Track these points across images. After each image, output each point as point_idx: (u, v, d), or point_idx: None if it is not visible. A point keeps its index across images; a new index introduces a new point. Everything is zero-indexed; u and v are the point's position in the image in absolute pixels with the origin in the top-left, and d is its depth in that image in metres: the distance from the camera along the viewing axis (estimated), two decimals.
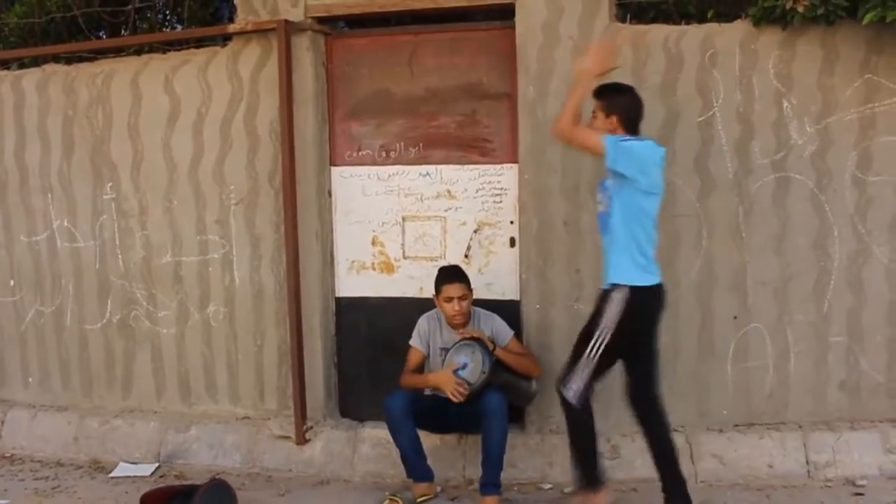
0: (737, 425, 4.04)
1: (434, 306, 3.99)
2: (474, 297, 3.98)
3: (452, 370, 3.72)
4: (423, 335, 4.01)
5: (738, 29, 3.92)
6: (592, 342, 3.31)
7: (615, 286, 3.30)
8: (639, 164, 3.25)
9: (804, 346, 3.99)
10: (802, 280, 3.97)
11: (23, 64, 4.92)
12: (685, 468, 3.90)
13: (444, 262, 4.20)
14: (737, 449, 3.94)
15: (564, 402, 3.39)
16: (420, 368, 4.00)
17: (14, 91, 4.81)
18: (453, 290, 3.84)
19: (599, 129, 3.36)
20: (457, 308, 3.83)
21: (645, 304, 3.34)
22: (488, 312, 3.99)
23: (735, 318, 4.02)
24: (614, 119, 3.37)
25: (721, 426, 4.04)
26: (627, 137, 3.31)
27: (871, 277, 3.93)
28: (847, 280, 3.94)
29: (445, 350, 3.89)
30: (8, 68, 4.93)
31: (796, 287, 3.97)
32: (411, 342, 4.02)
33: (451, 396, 3.70)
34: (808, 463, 3.88)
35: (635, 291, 3.28)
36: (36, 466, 4.55)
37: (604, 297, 3.34)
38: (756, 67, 3.91)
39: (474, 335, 3.79)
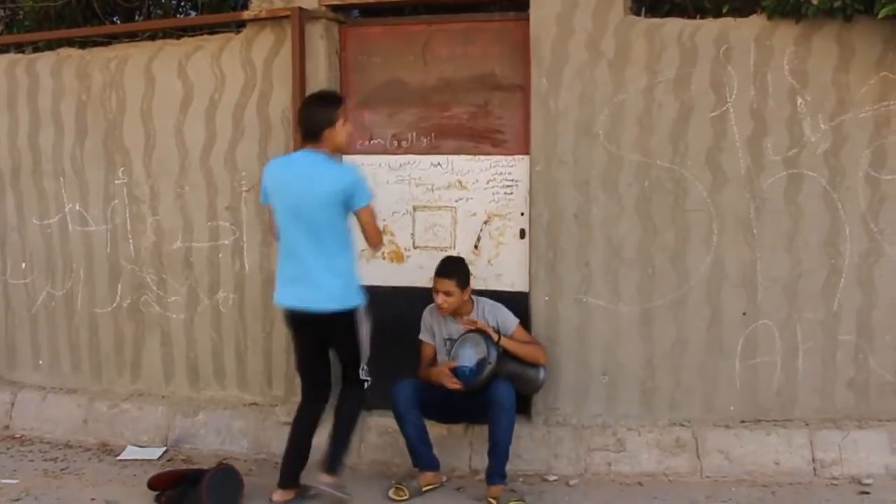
0: (743, 421, 4.03)
1: None
2: (484, 288, 3.96)
3: (450, 367, 3.79)
4: (428, 328, 4.02)
5: (754, 24, 3.90)
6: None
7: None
8: None
9: (813, 344, 3.98)
10: (813, 277, 3.95)
11: (37, 48, 4.93)
12: (691, 463, 3.93)
13: (454, 253, 4.20)
14: (743, 445, 3.94)
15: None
16: (434, 361, 4.01)
17: (28, 75, 4.83)
18: (439, 283, 3.83)
19: (349, 133, 3.69)
20: (439, 301, 3.84)
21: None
22: (493, 302, 3.97)
23: (744, 314, 4.01)
24: (347, 126, 3.66)
25: (728, 422, 4.03)
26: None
27: (883, 276, 3.91)
28: (858, 278, 3.93)
29: (450, 340, 3.90)
30: (23, 52, 4.95)
31: (806, 284, 3.96)
32: (420, 336, 4.03)
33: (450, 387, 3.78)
34: (814, 460, 3.88)
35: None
36: (45, 448, 4.58)
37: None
38: (771, 63, 3.89)
39: (479, 327, 3.80)
